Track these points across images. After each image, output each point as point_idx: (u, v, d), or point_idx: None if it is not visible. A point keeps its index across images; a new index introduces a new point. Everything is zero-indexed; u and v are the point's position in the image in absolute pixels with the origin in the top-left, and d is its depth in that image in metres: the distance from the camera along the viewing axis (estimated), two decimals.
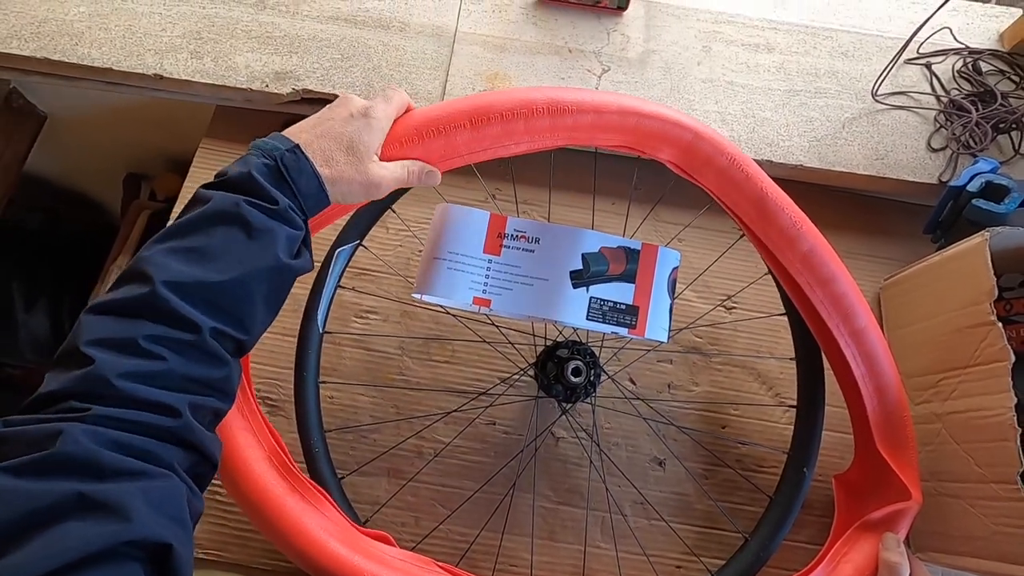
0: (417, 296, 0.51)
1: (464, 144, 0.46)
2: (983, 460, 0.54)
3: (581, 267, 0.52)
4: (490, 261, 0.52)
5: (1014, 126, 0.72)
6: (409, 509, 0.61)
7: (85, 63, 0.68)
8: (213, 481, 0.36)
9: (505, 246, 0.53)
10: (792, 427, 0.58)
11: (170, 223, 0.37)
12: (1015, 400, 0.52)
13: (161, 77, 0.69)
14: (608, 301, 0.52)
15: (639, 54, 0.75)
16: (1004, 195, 0.62)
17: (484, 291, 0.51)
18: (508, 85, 0.71)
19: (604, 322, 0.52)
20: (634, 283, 0.53)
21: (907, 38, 0.74)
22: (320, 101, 0.70)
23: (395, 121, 0.45)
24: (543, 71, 0.73)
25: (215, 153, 0.73)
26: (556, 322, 0.55)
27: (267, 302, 0.37)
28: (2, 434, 0.28)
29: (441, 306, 0.63)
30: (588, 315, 0.51)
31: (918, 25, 0.77)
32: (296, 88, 0.69)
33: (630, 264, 0.54)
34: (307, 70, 0.70)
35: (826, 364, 0.57)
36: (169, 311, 0.32)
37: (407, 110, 0.46)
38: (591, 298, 0.51)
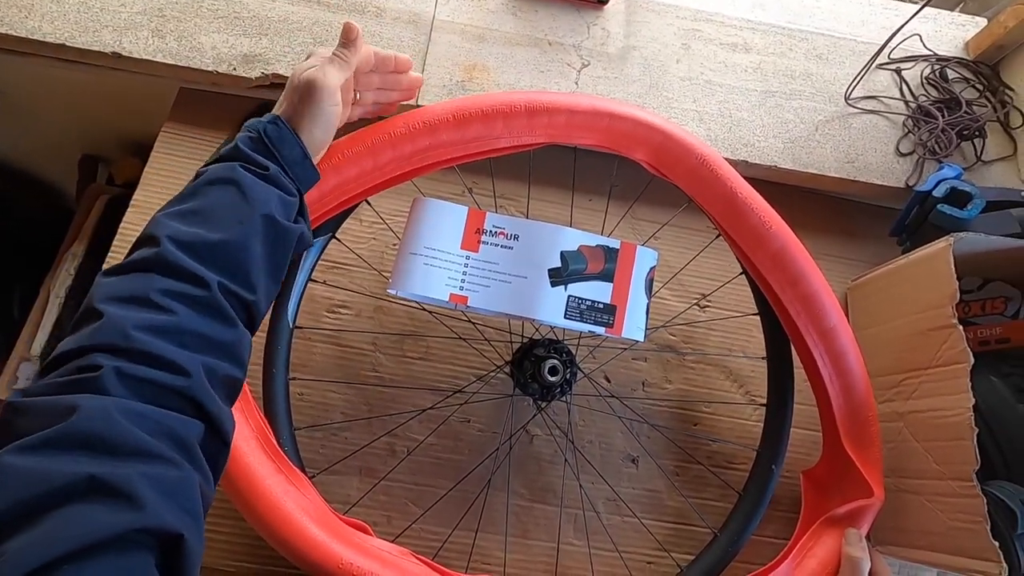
0: (392, 292, 0.50)
1: (449, 141, 0.48)
2: (941, 458, 0.56)
3: (560, 265, 0.51)
4: (468, 257, 0.51)
5: (977, 133, 0.74)
6: (381, 508, 0.60)
7: (36, 37, 0.64)
8: None
9: (483, 242, 0.52)
10: (760, 424, 0.60)
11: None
12: (973, 401, 0.54)
13: (120, 56, 0.65)
14: (586, 300, 0.52)
15: (619, 49, 0.74)
16: (967, 201, 0.64)
17: (461, 288, 0.51)
18: (487, 76, 0.70)
19: (582, 321, 0.51)
20: (612, 282, 0.53)
21: (880, 44, 0.75)
22: None
23: (386, 119, 0.50)
24: (522, 63, 0.71)
25: (178, 138, 0.70)
26: (534, 320, 0.54)
27: (268, 261, 0.39)
28: (20, 405, 0.28)
29: (417, 302, 0.62)
30: (566, 313, 0.51)
31: (890, 30, 0.79)
32: (266, 72, 0.66)
33: (608, 263, 0.54)
34: (277, 54, 0.67)
35: (796, 363, 0.58)
36: (177, 266, 0.34)
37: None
38: (569, 296, 0.51)
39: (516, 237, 0.52)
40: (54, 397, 0.28)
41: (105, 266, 0.61)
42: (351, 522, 0.48)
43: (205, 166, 0.40)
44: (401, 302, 0.66)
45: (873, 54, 0.75)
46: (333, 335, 0.64)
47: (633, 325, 0.53)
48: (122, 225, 0.65)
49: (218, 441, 0.33)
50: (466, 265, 0.51)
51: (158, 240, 0.35)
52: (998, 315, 0.67)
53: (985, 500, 0.51)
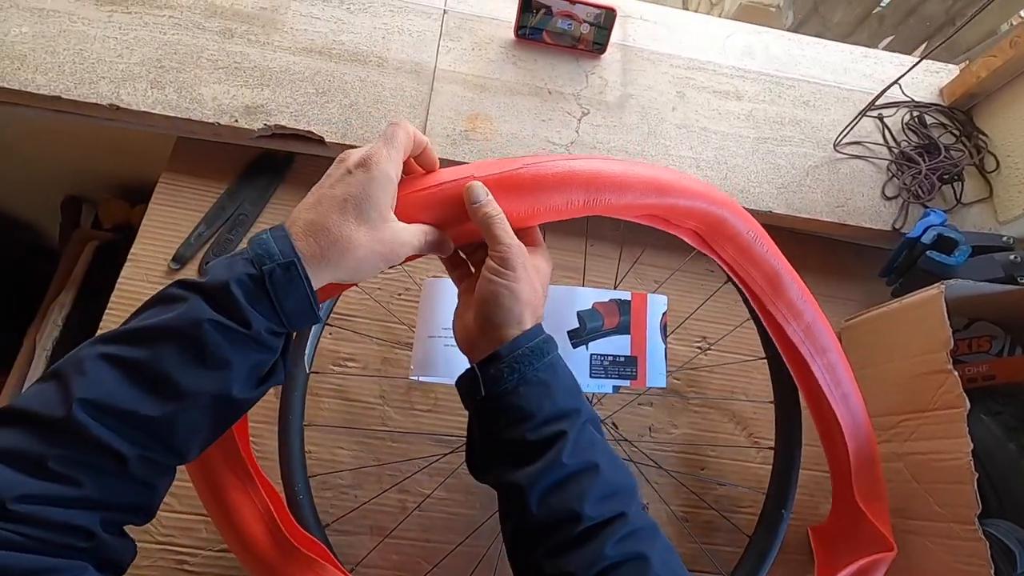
0: (415, 378, 0.50)
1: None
2: (942, 500, 0.58)
3: (578, 325, 0.52)
4: None
5: (956, 177, 0.78)
6: (394, 568, 0.59)
7: (30, 90, 0.63)
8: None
9: None
10: (765, 466, 0.61)
11: (125, 322, 0.32)
12: (971, 446, 0.56)
13: (117, 108, 0.64)
14: (608, 356, 0.52)
15: (617, 98, 0.76)
16: (954, 247, 0.67)
17: None
18: (490, 126, 0.71)
19: (607, 377, 0.52)
20: (629, 334, 0.54)
21: (861, 90, 0.79)
22: (294, 138, 0.67)
23: (419, 176, 0.40)
24: (524, 112, 0.73)
25: (176, 188, 0.69)
26: None
27: (211, 431, 0.33)
28: None
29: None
30: (591, 372, 0.51)
31: (870, 77, 0.83)
32: (268, 123, 0.66)
33: (623, 316, 0.55)
34: (279, 104, 0.67)
35: (803, 406, 0.59)
36: (88, 436, 0.28)
37: (418, 146, 0.39)
38: (592, 355, 0.52)
39: None
40: None
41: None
42: None
43: (180, 286, 0.32)
44: (408, 353, 0.65)
45: (862, 107, 0.79)
46: (340, 389, 0.64)
47: (655, 372, 0.54)
48: (120, 281, 0.63)
49: (112, 572, 0.30)
50: None
51: (71, 397, 0.28)
52: (984, 353, 0.70)
53: (987, 544, 0.53)
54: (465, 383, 0.38)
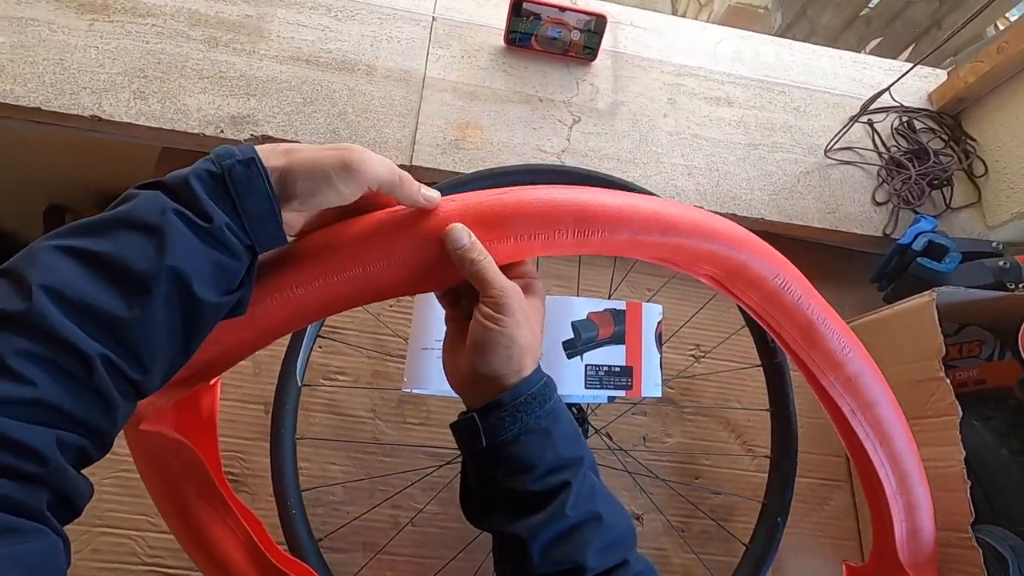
0: (408, 391, 0.49)
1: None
2: (936, 508, 0.58)
3: (572, 336, 0.52)
4: None
5: (945, 183, 0.78)
6: None
7: (8, 101, 0.61)
8: None
9: None
10: (759, 474, 0.60)
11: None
12: (964, 454, 0.56)
13: (100, 119, 0.63)
14: (603, 366, 0.52)
15: (608, 105, 0.76)
16: (944, 254, 0.67)
17: None
18: (481, 135, 0.70)
19: (602, 387, 0.52)
20: (624, 344, 0.54)
21: (851, 95, 0.79)
22: None
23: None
24: (515, 121, 0.72)
25: None
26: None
27: (172, 336, 0.30)
28: None
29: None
30: (586, 383, 0.51)
31: (860, 82, 0.83)
32: (255, 134, 0.65)
33: (618, 325, 0.54)
34: (266, 114, 0.66)
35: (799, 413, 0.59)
36: (49, 329, 0.26)
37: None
38: (587, 366, 0.51)
39: None
40: None
41: None
42: None
43: (140, 187, 0.31)
44: (400, 365, 0.65)
45: (852, 112, 0.79)
46: (331, 404, 0.63)
47: (650, 382, 0.54)
48: None
49: (70, 511, 0.28)
50: None
51: (28, 286, 0.26)
52: (974, 358, 0.71)
53: (981, 552, 0.53)
54: (463, 430, 0.36)
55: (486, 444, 0.34)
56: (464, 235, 0.35)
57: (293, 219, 0.34)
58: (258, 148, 0.32)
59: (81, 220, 0.29)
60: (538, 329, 0.37)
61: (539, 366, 0.37)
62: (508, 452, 0.34)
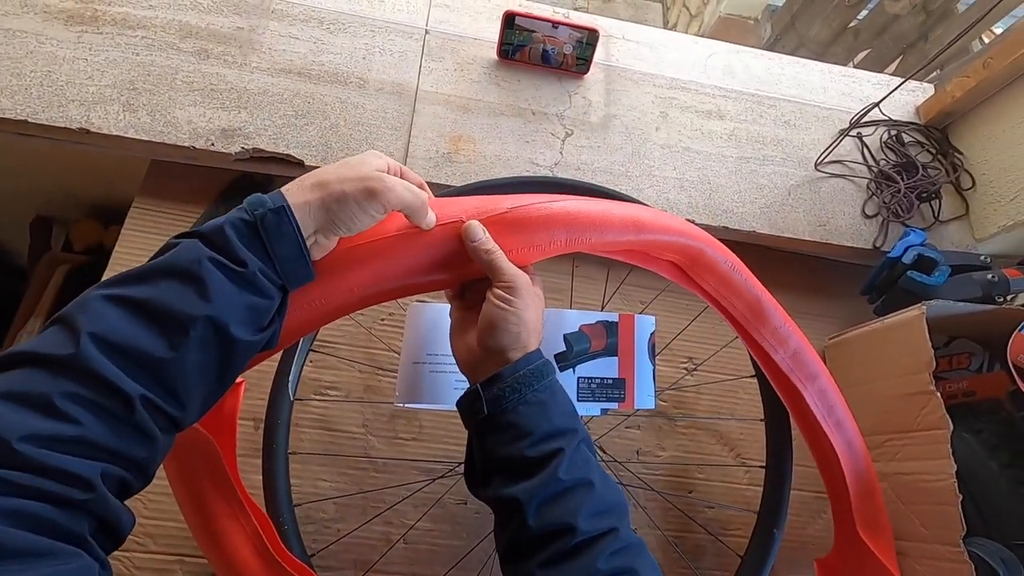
0: (400, 405, 0.49)
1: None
2: (928, 522, 0.58)
3: (564, 348, 0.51)
4: None
5: (934, 196, 0.79)
6: None
7: None
8: None
9: None
10: (753, 486, 0.60)
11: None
12: (955, 467, 0.56)
13: (88, 132, 0.62)
14: (595, 379, 0.52)
15: (601, 118, 0.76)
16: (933, 267, 0.67)
17: None
18: (473, 148, 0.70)
19: (595, 400, 0.52)
20: (617, 356, 0.54)
21: (841, 108, 0.80)
22: (273, 161, 0.65)
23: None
24: (508, 134, 0.72)
25: (150, 213, 0.67)
26: None
27: (208, 375, 0.33)
28: None
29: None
30: (579, 396, 0.51)
31: (849, 96, 0.83)
32: (246, 147, 0.64)
33: (610, 338, 0.54)
34: (258, 127, 0.66)
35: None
36: (94, 372, 0.29)
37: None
38: (579, 378, 0.51)
39: None
40: None
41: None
42: None
43: (179, 237, 0.34)
44: (392, 379, 0.64)
45: (842, 125, 0.80)
46: (322, 419, 0.62)
47: (643, 395, 0.54)
48: None
49: (114, 540, 0.30)
50: None
51: (78, 333, 0.29)
52: (964, 370, 0.71)
53: (973, 566, 0.53)
54: (467, 402, 0.39)
55: (487, 412, 0.37)
56: (480, 231, 0.40)
57: (332, 243, 0.38)
58: (287, 189, 0.36)
59: (129, 270, 0.32)
60: (541, 315, 0.41)
61: (540, 349, 0.40)
62: (507, 420, 0.37)
